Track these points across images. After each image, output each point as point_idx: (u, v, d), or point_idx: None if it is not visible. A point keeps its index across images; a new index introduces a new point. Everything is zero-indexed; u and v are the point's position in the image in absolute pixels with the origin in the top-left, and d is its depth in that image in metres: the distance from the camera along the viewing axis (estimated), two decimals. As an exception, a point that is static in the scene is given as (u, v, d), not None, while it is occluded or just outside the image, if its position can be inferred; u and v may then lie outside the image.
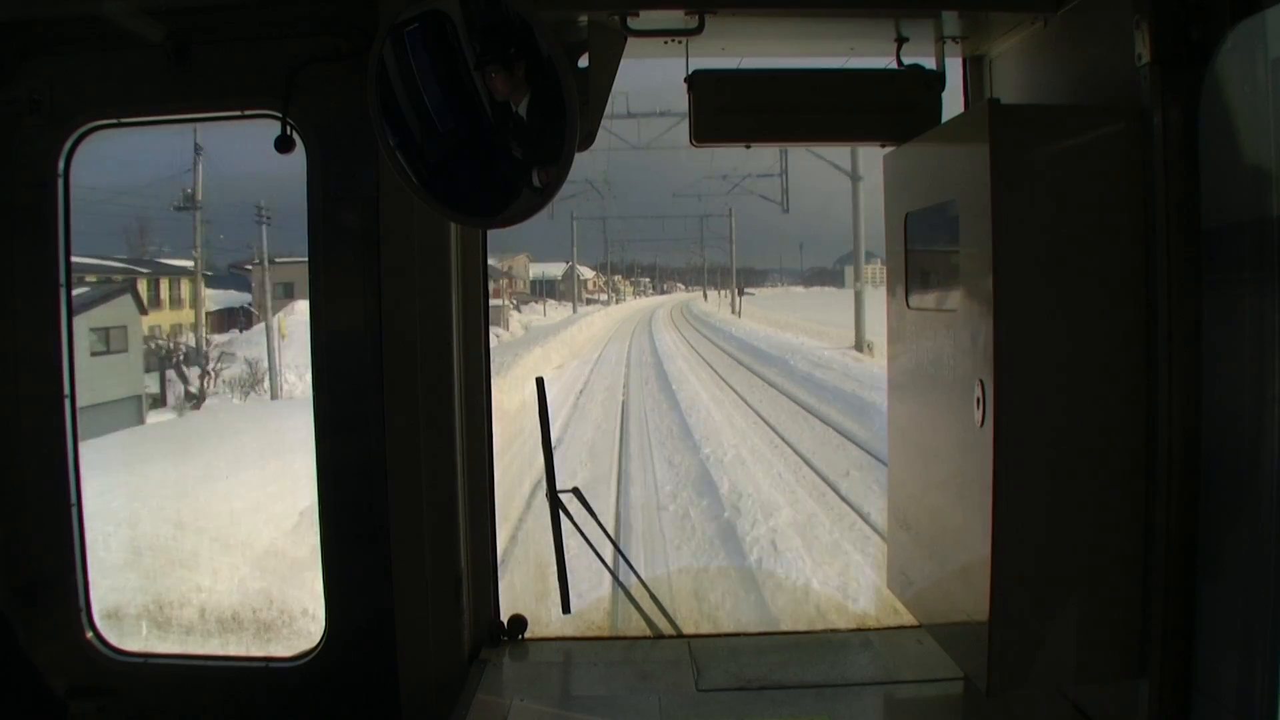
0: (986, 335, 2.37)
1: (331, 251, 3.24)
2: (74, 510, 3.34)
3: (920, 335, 2.92)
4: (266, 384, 29.36)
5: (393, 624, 3.17)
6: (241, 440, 15.50)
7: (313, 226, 3.25)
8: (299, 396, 26.15)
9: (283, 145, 3.08)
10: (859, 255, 34.07)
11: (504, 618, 3.44)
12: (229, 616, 9.09)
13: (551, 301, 65.76)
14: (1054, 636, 2.42)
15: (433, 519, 3.17)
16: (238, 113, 3.27)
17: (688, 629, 3.74)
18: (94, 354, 22.83)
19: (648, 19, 2.95)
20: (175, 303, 34.36)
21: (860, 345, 29.42)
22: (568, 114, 2.65)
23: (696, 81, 3.08)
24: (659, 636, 3.55)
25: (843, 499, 12.66)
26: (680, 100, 3.14)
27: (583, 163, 2.87)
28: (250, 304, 37.47)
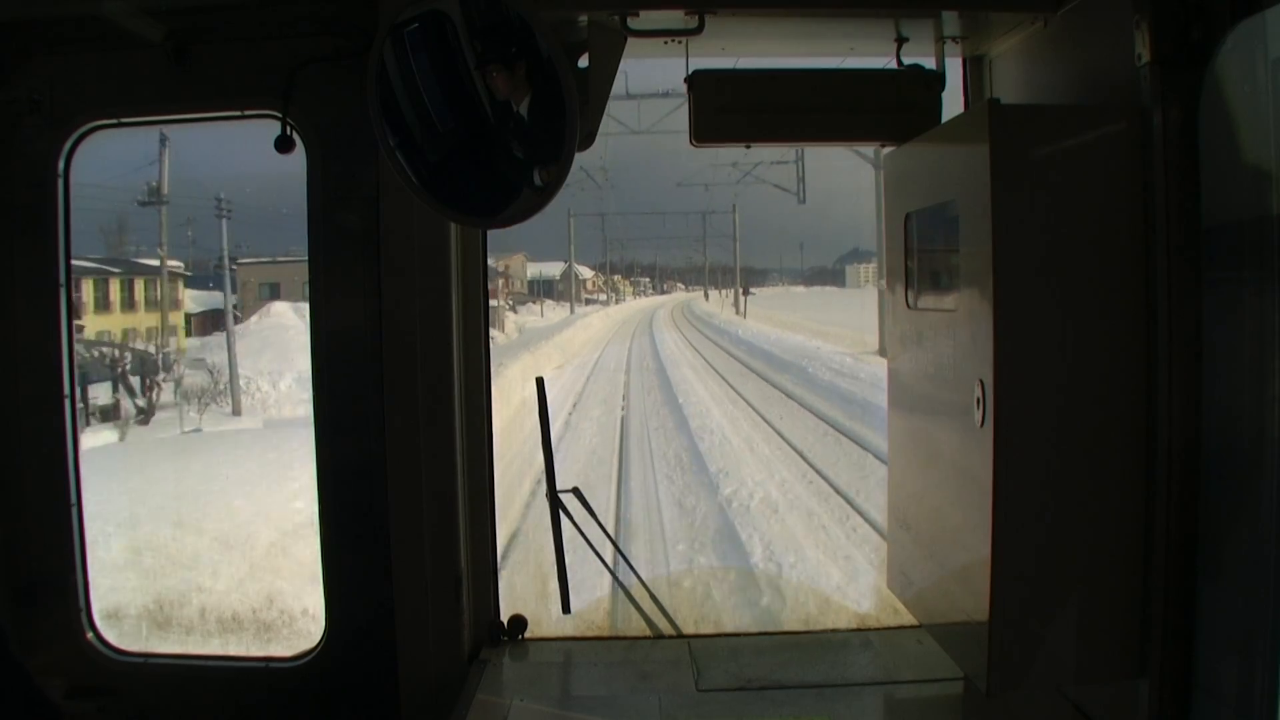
0: (986, 335, 2.37)
1: (331, 251, 3.24)
2: (74, 510, 3.34)
3: (920, 335, 2.92)
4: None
5: (393, 624, 3.17)
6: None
7: (313, 226, 3.25)
8: (273, 409, 24.82)
9: (283, 145, 3.08)
10: (882, 251, 33.42)
11: (504, 618, 3.44)
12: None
13: (549, 302, 64.21)
14: (1054, 636, 2.42)
15: (433, 519, 3.17)
16: (238, 113, 3.27)
17: (688, 629, 3.74)
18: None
19: (648, 19, 2.95)
20: (130, 305, 31.31)
21: (885, 349, 27.15)
22: (568, 114, 2.65)
23: (696, 81, 3.08)
24: (659, 636, 3.54)
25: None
26: (685, 79, 3.10)
27: (580, 154, 2.86)
28: (235, 305, 36.00)
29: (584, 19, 2.92)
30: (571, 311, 58.38)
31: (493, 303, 4.36)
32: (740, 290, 61.68)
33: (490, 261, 3.63)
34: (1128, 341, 2.35)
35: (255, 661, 3.74)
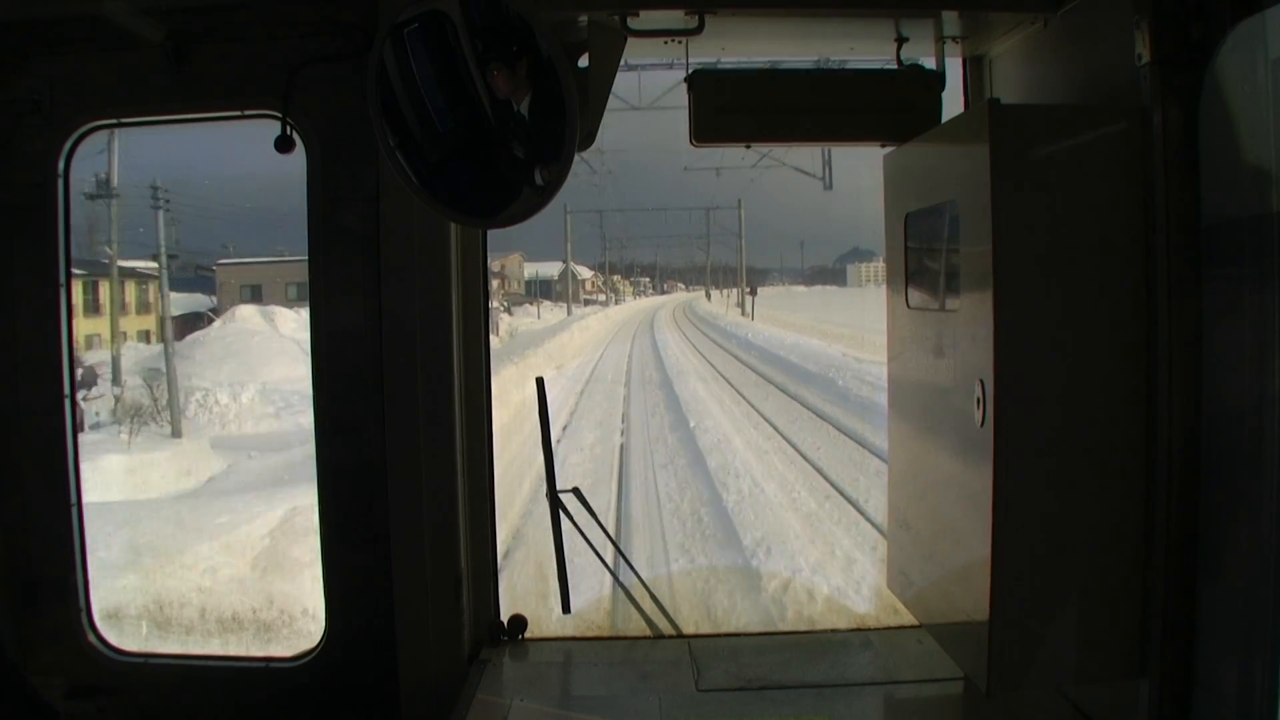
0: (986, 335, 2.37)
1: (331, 251, 3.24)
2: (74, 510, 3.34)
3: (920, 335, 2.92)
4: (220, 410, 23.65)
5: (393, 624, 3.17)
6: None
7: (313, 226, 3.25)
8: (231, 424, 22.30)
9: (283, 145, 3.08)
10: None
11: (504, 618, 3.44)
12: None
13: (547, 303, 62.18)
14: (1054, 636, 2.42)
15: (433, 519, 3.17)
16: (238, 113, 3.27)
17: (688, 629, 3.74)
18: None
19: (648, 19, 2.95)
20: (95, 309, 27.71)
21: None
22: (568, 114, 2.66)
23: (696, 81, 3.08)
24: (659, 636, 3.54)
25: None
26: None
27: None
28: (213, 308, 34.43)
29: (584, 19, 2.92)
30: (569, 313, 56.00)
31: (488, 303, 4.32)
32: (748, 290, 58.91)
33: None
34: (1127, 341, 2.35)
35: (255, 661, 3.73)
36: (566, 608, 3.52)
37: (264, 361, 27.29)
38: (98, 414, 21.49)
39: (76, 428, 3.37)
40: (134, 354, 27.30)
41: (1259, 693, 2.10)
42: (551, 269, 67.10)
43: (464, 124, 2.73)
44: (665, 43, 3.08)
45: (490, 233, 3.42)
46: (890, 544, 3.26)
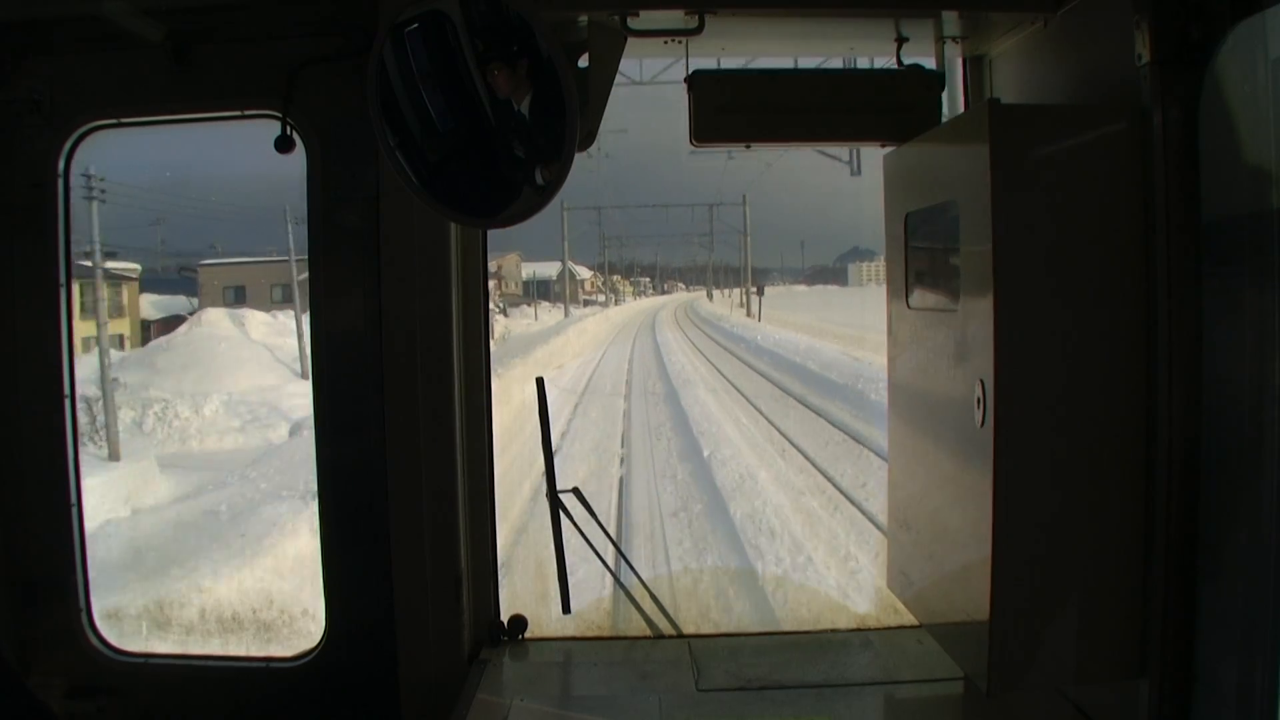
0: (987, 335, 2.37)
1: (331, 251, 3.24)
2: (74, 510, 3.34)
3: (921, 335, 2.92)
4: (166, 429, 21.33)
5: (393, 624, 3.17)
6: None
7: (313, 226, 3.25)
8: (192, 440, 20.09)
9: (283, 145, 3.08)
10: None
11: (504, 618, 3.44)
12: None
13: (545, 304, 60.75)
14: (1054, 636, 2.42)
15: (433, 519, 3.17)
16: (238, 113, 3.27)
17: (688, 629, 3.73)
18: None
19: (648, 19, 2.95)
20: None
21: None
22: (567, 114, 2.66)
23: (696, 81, 3.08)
24: (659, 636, 3.54)
25: None
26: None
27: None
28: (194, 311, 32.48)
29: (584, 19, 2.93)
30: (566, 315, 53.60)
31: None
32: (755, 290, 55.81)
33: (483, 261, 3.60)
34: (1128, 342, 2.35)
35: (255, 661, 3.74)
36: (566, 608, 3.53)
37: (231, 369, 25.59)
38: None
39: (76, 428, 3.37)
40: (91, 364, 23.63)
41: (1259, 693, 2.10)
42: (549, 269, 65.71)
43: (464, 124, 2.73)
44: (665, 43, 3.08)
45: (489, 232, 3.43)
46: (890, 544, 3.26)
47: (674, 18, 2.96)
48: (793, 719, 2.89)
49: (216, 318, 30.15)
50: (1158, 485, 2.30)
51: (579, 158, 2.78)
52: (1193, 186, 2.25)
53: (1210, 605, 2.24)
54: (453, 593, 3.20)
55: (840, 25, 3.13)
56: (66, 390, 3.32)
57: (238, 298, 34.20)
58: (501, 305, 50.35)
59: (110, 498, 14.68)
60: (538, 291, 64.84)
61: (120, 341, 27.10)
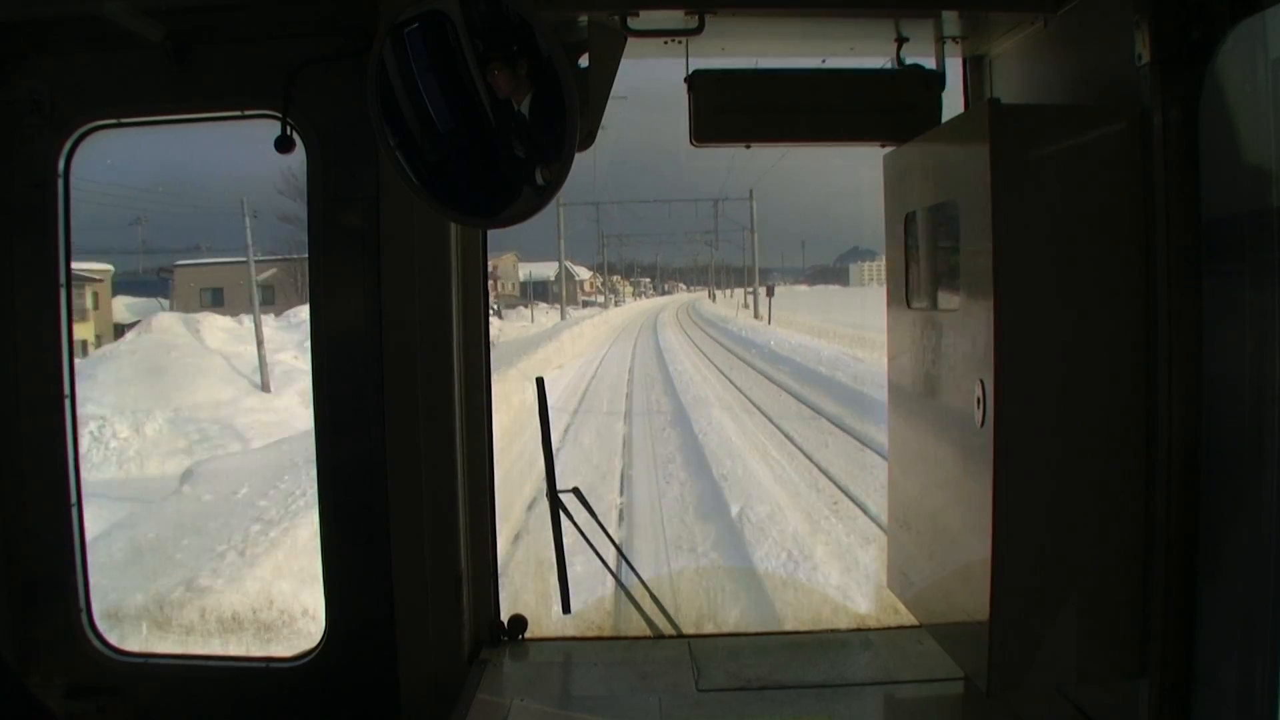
0: (987, 335, 2.37)
1: (331, 251, 3.24)
2: (74, 510, 3.34)
3: (920, 335, 2.92)
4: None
5: (393, 624, 3.17)
6: None
7: (313, 226, 3.25)
8: (131, 464, 16.94)
9: (283, 145, 3.08)
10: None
11: (504, 618, 3.44)
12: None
13: (543, 305, 58.17)
14: (1054, 636, 2.42)
15: (433, 519, 3.17)
16: (238, 113, 3.27)
17: (688, 629, 3.74)
18: None
19: (648, 19, 2.95)
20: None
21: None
22: (568, 114, 2.66)
23: (696, 81, 3.09)
24: (659, 636, 3.55)
25: None
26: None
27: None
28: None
29: (584, 19, 2.93)
30: (563, 317, 50.21)
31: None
32: (762, 290, 52.28)
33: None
34: (1128, 342, 2.35)
35: (255, 661, 3.74)
36: (566, 608, 3.53)
37: (182, 382, 22.21)
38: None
39: (77, 428, 3.37)
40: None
41: (1259, 693, 2.10)
42: (547, 269, 63.69)
43: (464, 124, 2.73)
44: (665, 43, 3.08)
45: (487, 233, 3.43)
46: (890, 544, 3.26)
47: (674, 18, 2.96)
48: (793, 719, 2.89)
49: (169, 323, 26.95)
50: (1157, 485, 2.30)
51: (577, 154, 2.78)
52: (1193, 186, 2.25)
53: (1210, 605, 2.24)
54: (453, 593, 3.20)
55: (840, 25, 3.12)
56: (66, 390, 3.32)
57: (215, 300, 32.01)
58: (497, 307, 48.08)
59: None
60: (535, 293, 63.19)
61: (84, 348, 24.62)
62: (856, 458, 13.63)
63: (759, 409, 18.40)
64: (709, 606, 7.54)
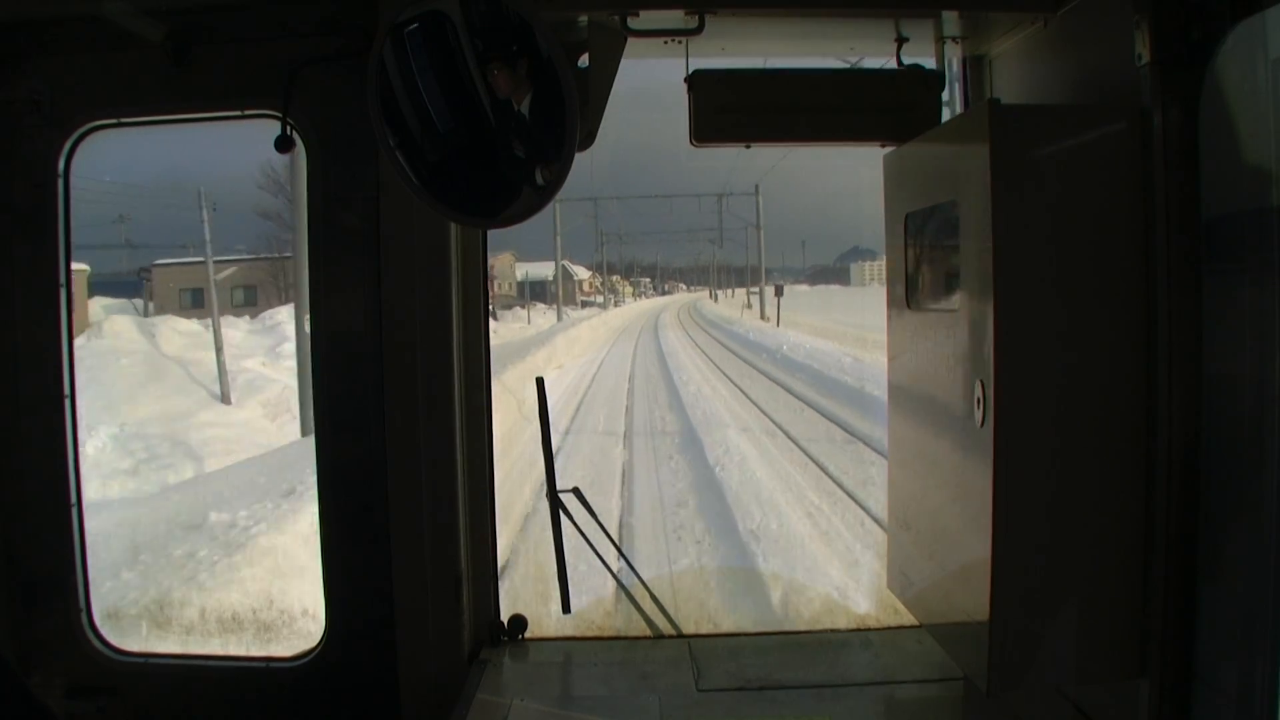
0: (987, 335, 2.37)
1: (331, 251, 3.24)
2: (74, 510, 3.34)
3: (920, 335, 2.92)
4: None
5: (393, 624, 3.17)
6: None
7: (313, 226, 3.25)
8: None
9: (283, 145, 3.08)
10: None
11: (504, 618, 3.45)
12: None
13: (541, 305, 56.92)
14: (1054, 636, 2.42)
15: (433, 519, 3.18)
16: (238, 113, 3.27)
17: (688, 629, 3.74)
18: None
19: (648, 19, 2.95)
20: None
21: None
22: (568, 114, 2.66)
23: (696, 81, 3.09)
24: (659, 636, 3.55)
25: None
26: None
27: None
28: (147, 315, 28.86)
29: (584, 19, 2.93)
30: (559, 318, 47.91)
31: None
32: (771, 290, 49.51)
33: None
34: (1128, 342, 2.35)
35: (255, 661, 3.74)
36: (566, 608, 3.53)
37: (131, 393, 20.11)
38: None
39: (77, 428, 3.37)
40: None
41: (1259, 693, 2.10)
42: (545, 269, 61.56)
43: (464, 124, 2.73)
44: (665, 43, 3.08)
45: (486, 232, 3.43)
46: (890, 544, 3.26)
47: (674, 18, 2.96)
48: (793, 719, 2.89)
49: (122, 327, 24.87)
50: (1157, 485, 2.30)
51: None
52: (1193, 186, 2.25)
53: (1210, 605, 2.24)
54: (453, 593, 3.20)
55: (840, 25, 3.13)
56: (66, 390, 3.32)
57: (195, 301, 29.95)
58: (492, 308, 47.04)
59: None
60: (533, 293, 61.76)
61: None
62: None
63: (783, 430, 15.68)
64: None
